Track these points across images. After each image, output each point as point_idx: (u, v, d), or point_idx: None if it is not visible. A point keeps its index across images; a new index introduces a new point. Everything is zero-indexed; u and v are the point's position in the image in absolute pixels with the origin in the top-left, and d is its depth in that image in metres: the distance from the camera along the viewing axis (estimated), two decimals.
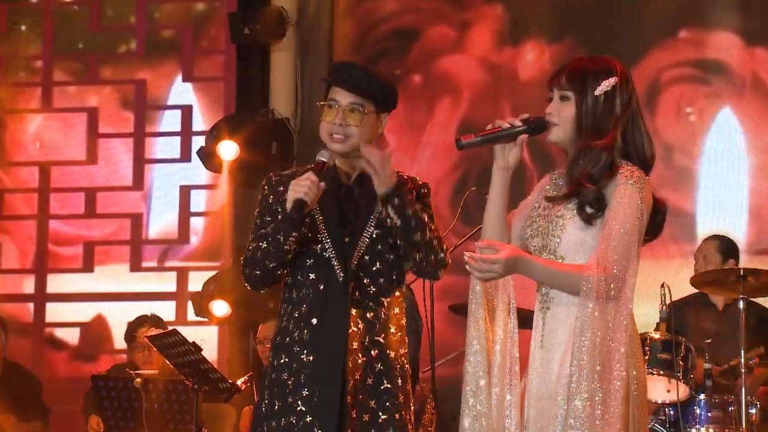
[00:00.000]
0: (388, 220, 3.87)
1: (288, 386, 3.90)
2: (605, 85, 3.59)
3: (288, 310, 3.96)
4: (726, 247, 6.86)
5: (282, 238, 3.86)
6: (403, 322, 3.99)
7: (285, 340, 3.94)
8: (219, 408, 7.09)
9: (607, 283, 3.43)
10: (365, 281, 3.91)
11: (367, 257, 3.92)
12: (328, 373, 3.86)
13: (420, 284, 5.63)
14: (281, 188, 3.98)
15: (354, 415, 3.84)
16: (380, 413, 3.86)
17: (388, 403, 3.87)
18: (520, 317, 3.63)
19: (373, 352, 3.89)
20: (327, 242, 3.93)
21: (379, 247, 3.93)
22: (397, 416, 3.88)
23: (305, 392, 3.88)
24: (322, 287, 3.93)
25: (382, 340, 3.91)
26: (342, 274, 3.90)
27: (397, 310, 3.96)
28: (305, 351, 3.90)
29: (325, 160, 3.88)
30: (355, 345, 3.87)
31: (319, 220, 3.97)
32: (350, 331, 3.87)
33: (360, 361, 3.88)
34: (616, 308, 3.46)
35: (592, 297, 3.42)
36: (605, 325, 3.43)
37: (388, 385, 3.88)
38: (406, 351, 3.97)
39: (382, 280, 3.93)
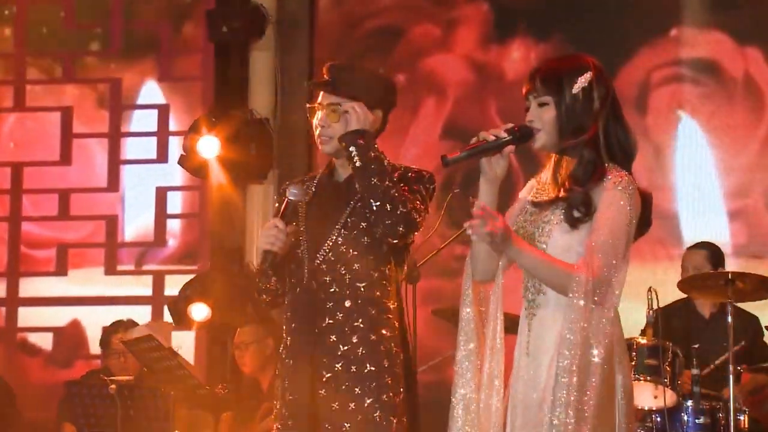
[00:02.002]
0: (351, 163, 3.89)
1: (279, 392, 4.04)
2: (581, 81, 3.54)
3: (284, 317, 4.06)
4: (715, 256, 6.75)
5: (263, 283, 4.00)
6: (390, 304, 3.99)
7: (281, 348, 4.07)
8: (196, 415, 7.02)
9: (593, 287, 3.39)
10: (342, 270, 3.92)
11: (342, 246, 3.93)
12: (298, 377, 3.94)
13: (402, 289, 5.55)
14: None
15: (336, 407, 3.88)
16: (366, 398, 3.89)
17: (373, 385, 3.90)
18: (507, 322, 3.57)
19: (354, 339, 3.92)
20: (305, 244, 3.98)
21: (355, 232, 3.93)
22: (384, 397, 3.91)
23: (289, 397, 3.97)
24: (298, 290, 3.98)
25: (361, 325, 3.93)
26: (307, 276, 3.94)
27: (378, 293, 3.95)
28: (288, 356, 4.00)
29: (291, 198, 3.93)
30: (333, 338, 3.92)
31: (302, 222, 4.00)
32: (326, 324, 3.92)
33: (340, 351, 3.91)
34: (599, 314, 3.41)
35: (581, 298, 3.38)
36: (588, 329, 3.39)
37: (372, 368, 3.92)
38: (393, 334, 3.98)
39: (357, 265, 3.93)
